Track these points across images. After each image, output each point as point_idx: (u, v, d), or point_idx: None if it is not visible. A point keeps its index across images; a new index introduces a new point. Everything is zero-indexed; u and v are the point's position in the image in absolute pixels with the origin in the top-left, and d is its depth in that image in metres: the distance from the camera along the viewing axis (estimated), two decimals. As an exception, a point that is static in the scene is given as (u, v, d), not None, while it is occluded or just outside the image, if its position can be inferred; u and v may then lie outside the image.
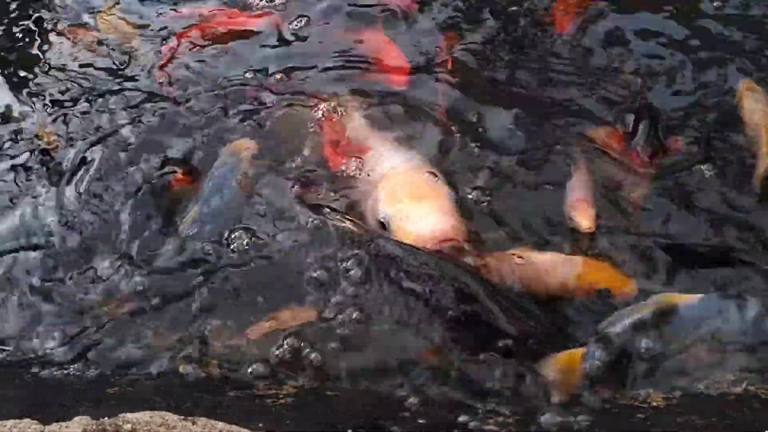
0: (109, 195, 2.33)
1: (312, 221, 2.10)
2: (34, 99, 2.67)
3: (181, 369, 1.86)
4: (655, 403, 1.72)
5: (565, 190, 2.20)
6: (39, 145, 2.49)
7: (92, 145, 2.46)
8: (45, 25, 2.98)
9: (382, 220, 2.04)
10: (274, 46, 2.75)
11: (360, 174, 2.26)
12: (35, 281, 2.12)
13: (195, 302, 2.01)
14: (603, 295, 1.92)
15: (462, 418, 1.70)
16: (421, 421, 1.69)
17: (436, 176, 2.15)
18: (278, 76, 2.62)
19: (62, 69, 2.77)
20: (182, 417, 1.48)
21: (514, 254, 2.03)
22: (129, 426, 1.44)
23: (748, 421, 1.61)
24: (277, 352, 1.88)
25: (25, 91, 2.71)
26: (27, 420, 1.49)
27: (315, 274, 1.99)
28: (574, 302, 1.95)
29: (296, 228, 2.12)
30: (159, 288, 2.06)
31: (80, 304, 2.05)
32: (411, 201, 2.04)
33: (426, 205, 2.04)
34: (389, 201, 2.06)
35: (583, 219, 2.09)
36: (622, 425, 1.65)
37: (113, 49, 2.82)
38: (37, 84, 2.73)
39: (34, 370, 1.89)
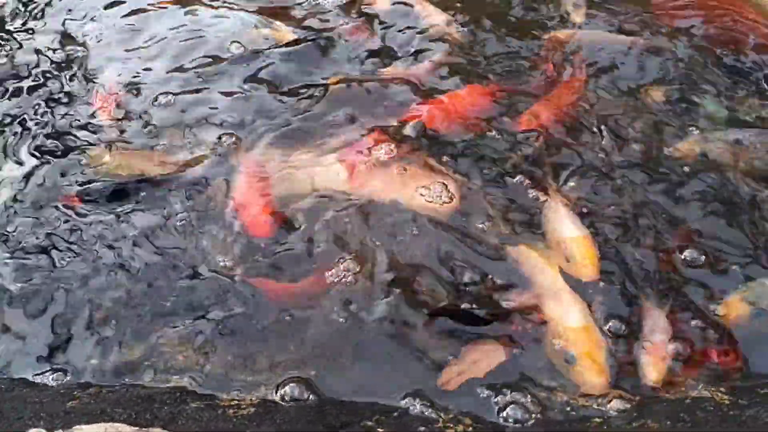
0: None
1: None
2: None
3: (143, 381, 1.86)
4: (612, 406, 1.75)
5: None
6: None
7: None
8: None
9: None
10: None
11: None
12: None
13: (157, 313, 2.01)
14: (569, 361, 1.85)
15: (423, 428, 1.72)
16: (381, 430, 1.70)
17: None
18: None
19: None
20: (137, 429, 1.48)
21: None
22: (83, 438, 1.44)
23: (701, 424, 1.63)
24: (243, 365, 1.90)
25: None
26: (-18, 434, 1.49)
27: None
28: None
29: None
30: (119, 300, 2.05)
31: (42, 315, 2.04)
32: None
33: None
34: None
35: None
36: (578, 429, 1.67)
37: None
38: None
39: (-7, 383, 1.89)
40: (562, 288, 1.97)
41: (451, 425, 1.73)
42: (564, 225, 2.11)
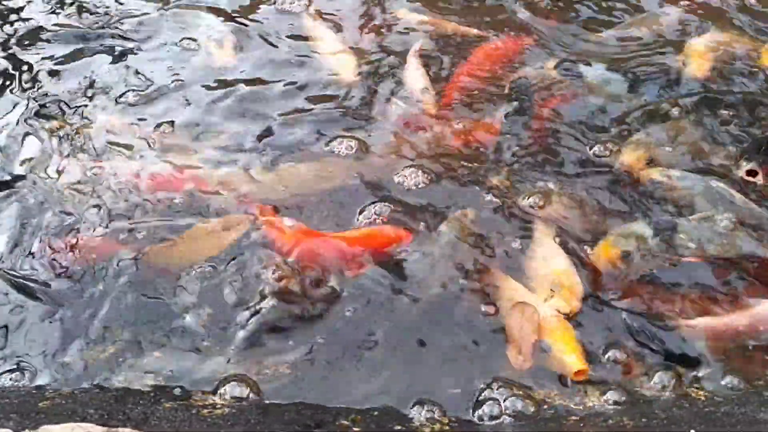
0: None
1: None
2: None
3: (116, 381, 1.84)
4: (589, 404, 1.74)
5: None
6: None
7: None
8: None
9: None
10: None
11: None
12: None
13: (131, 313, 2.00)
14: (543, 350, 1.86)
15: (399, 427, 1.71)
16: (357, 430, 1.69)
17: None
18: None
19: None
20: (107, 429, 1.46)
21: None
22: (51, 438, 1.42)
23: (676, 421, 1.63)
24: (217, 364, 1.88)
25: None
26: (-54, 434, 1.46)
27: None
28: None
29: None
30: (93, 300, 2.03)
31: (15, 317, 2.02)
32: None
33: None
34: None
35: None
36: (554, 427, 1.67)
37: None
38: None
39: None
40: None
41: (428, 424, 1.72)
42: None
